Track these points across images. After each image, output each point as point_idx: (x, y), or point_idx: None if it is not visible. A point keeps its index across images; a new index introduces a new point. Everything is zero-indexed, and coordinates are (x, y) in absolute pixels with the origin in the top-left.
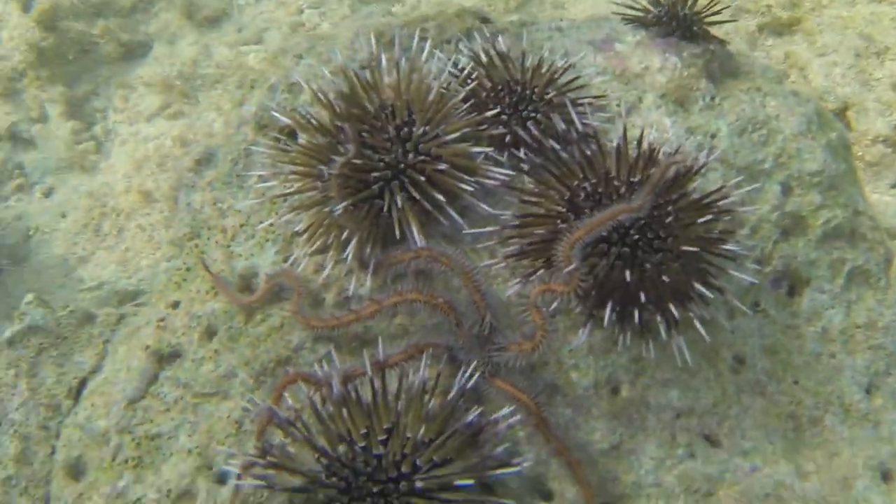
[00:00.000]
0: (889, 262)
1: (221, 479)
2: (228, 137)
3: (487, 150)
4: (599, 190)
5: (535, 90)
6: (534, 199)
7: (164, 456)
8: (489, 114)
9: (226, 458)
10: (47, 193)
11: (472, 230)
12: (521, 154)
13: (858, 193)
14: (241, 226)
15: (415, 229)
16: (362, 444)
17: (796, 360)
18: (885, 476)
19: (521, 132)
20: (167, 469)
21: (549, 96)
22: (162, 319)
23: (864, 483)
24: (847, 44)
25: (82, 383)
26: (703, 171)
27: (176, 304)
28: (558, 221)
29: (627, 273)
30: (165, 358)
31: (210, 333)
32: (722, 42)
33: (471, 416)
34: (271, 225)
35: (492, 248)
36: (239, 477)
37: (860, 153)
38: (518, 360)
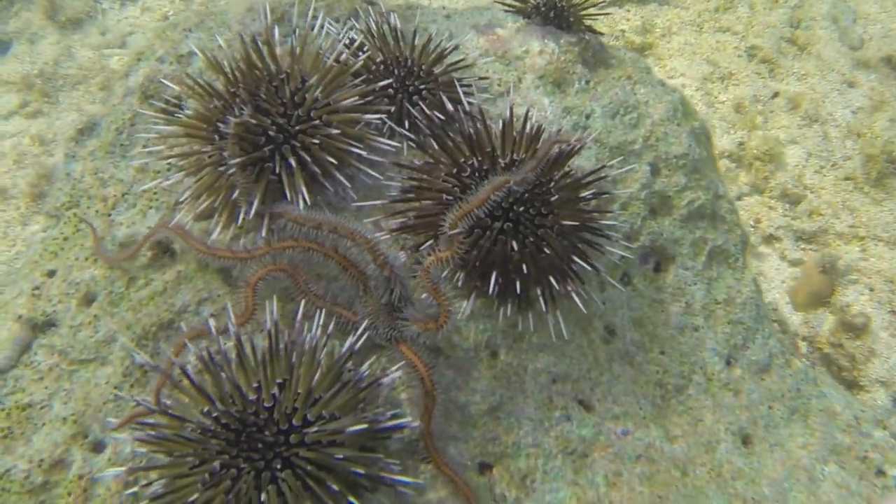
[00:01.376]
0: (745, 245)
1: (97, 447)
2: (113, 107)
3: (379, 116)
4: (485, 167)
5: (423, 67)
6: (420, 173)
7: (35, 426)
8: (380, 84)
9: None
10: None
11: (360, 203)
12: (407, 129)
13: (718, 179)
14: (123, 195)
15: (304, 192)
16: (253, 396)
17: (662, 332)
18: (745, 440)
19: (409, 106)
20: (39, 439)
21: (436, 73)
22: (36, 288)
23: (727, 446)
24: (694, 68)
25: None
26: (582, 150)
27: (52, 273)
28: (444, 195)
29: (514, 243)
30: (40, 326)
31: (89, 300)
32: (596, 33)
33: (360, 372)
34: (155, 192)
35: (376, 222)
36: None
37: None
38: (421, 338)
